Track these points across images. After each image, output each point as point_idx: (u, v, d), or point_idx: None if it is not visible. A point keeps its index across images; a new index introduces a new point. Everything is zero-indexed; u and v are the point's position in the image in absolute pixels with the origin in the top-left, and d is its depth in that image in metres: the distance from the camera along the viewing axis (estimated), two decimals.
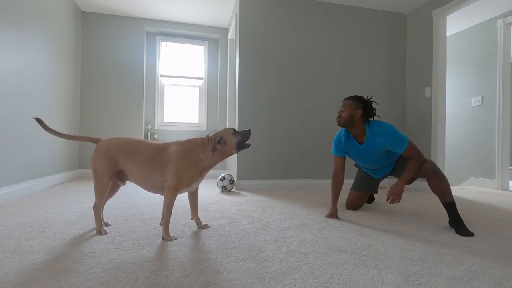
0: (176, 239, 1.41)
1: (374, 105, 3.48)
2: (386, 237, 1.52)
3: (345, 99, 1.91)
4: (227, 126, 4.07)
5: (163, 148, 1.46)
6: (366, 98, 1.90)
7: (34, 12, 2.61)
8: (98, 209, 1.47)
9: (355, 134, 1.92)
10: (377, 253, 1.29)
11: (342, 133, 2.01)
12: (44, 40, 2.80)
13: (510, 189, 3.45)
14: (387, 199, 1.76)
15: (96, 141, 1.51)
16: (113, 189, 1.59)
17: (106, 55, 3.88)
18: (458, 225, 1.64)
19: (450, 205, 1.68)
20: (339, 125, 1.91)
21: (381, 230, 1.64)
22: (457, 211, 1.68)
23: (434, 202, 2.53)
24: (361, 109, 1.86)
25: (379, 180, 2.15)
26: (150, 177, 1.43)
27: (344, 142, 1.97)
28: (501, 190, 3.43)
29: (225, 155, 1.51)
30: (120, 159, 1.45)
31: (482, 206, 2.41)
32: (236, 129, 1.60)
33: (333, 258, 1.22)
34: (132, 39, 3.96)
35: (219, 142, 1.47)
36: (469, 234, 1.57)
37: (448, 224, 1.79)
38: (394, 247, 1.36)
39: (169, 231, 1.46)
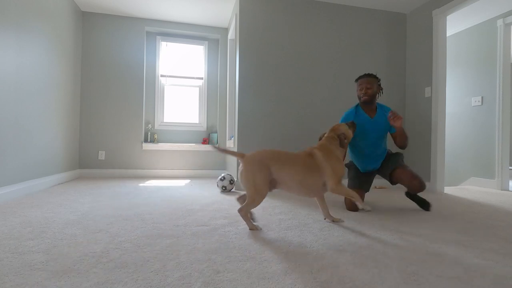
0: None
1: None
2: (386, 237, 1.52)
3: (367, 76, 2.13)
4: (227, 126, 4.07)
5: (310, 156, 1.65)
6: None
7: (34, 12, 2.61)
8: (247, 213, 1.57)
9: (369, 109, 2.17)
10: (377, 253, 1.29)
11: (354, 107, 2.22)
12: (44, 40, 2.80)
13: (510, 189, 3.45)
14: (390, 117, 2.03)
15: (241, 155, 1.60)
16: None
17: (106, 55, 3.88)
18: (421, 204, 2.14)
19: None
20: (366, 101, 2.13)
21: (381, 230, 1.64)
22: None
23: (434, 202, 2.53)
24: (378, 86, 2.14)
25: (371, 177, 2.24)
26: (307, 182, 1.59)
27: (354, 115, 2.17)
28: (501, 190, 3.43)
29: (345, 148, 1.80)
30: (274, 170, 1.57)
31: (482, 206, 2.41)
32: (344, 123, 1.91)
33: (333, 258, 1.22)
34: (132, 39, 3.96)
35: (344, 137, 1.76)
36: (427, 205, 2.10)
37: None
38: (394, 247, 1.36)
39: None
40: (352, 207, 2.14)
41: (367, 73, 2.18)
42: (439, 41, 3.16)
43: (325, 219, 1.82)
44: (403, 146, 2.15)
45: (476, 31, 3.80)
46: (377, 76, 2.14)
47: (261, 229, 1.58)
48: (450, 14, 3.13)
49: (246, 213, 1.56)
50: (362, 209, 1.82)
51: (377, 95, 2.18)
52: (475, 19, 3.69)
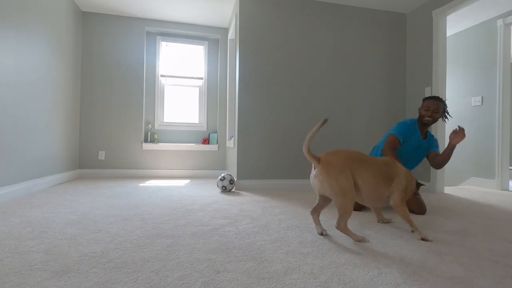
0: (432, 240, 1.47)
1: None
2: (386, 237, 1.52)
3: (437, 100, 2.11)
4: (227, 126, 4.07)
5: (387, 164, 1.55)
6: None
7: (34, 12, 2.61)
8: (346, 225, 1.42)
9: (424, 131, 2.19)
10: (377, 253, 1.29)
11: (412, 122, 2.20)
12: (44, 40, 2.80)
13: (510, 189, 3.45)
14: (454, 132, 2.04)
15: (316, 158, 1.45)
16: (326, 201, 1.54)
17: (106, 55, 3.88)
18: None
19: None
20: (427, 123, 2.13)
21: (381, 230, 1.64)
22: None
23: (434, 202, 2.53)
24: (443, 113, 2.15)
25: None
26: (379, 189, 1.49)
27: (411, 131, 2.17)
28: (501, 190, 3.43)
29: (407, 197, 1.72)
30: (354, 171, 1.45)
31: (482, 206, 2.41)
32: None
33: (333, 258, 1.22)
34: (132, 39, 3.96)
35: (411, 190, 1.61)
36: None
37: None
38: (394, 247, 1.36)
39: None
40: (356, 207, 2.14)
41: (437, 96, 2.14)
42: (439, 41, 3.16)
43: (378, 221, 1.81)
44: (440, 166, 2.15)
45: (476, 31, 3.80)
46: (444, 102, 2.14)
47: (368, 240, 1.43)
48: (450, 14, 3.13)
49: (345, 226, 1.41)
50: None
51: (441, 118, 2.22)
52: (475, 19, 3.68)
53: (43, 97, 2.82)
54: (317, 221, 1.54)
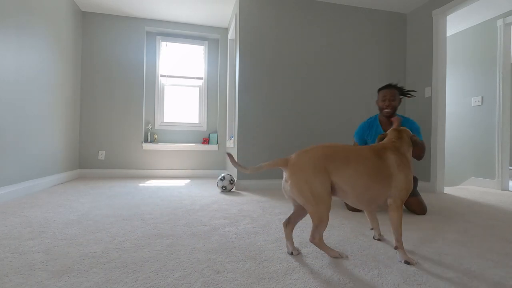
0: (417, 263, 1.18)
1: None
2: (386, 237, 1.52)
3: (389, 87, 2.04)
4: (227, 126, 4.07)
5: (379, 156, 1.22)
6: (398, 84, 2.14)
7: (34, 12, 2.61)
8: (321, 238, 1.19)
9: (388, 123, 2.09)
10: (377, 253, 1.29)
11: (370, 120, 2.17)
12: (44, 40, 2.80)
13: (510, 189, 3.45)
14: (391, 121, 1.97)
15: (284, 163, 1.18)
16: (303, 210, 1.25)
17: (106, 55, 3.88)
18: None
19: None
20: (390, 114, 2.04)
21: (381, 230, 1.64)
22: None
23: (434, 202, 2.53)
24: (399, 97, 2.06)
25: None
26: (374, 190, 1.18)
27: (366, 129, 2.16)
28: (501, 190, 3.43)
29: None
30: (332, 170, 1.16)
31: (482, 206, 2.41)
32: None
33: (333, 258, 1.22)
34: (132, 39, 3.96)
35: (415, 142, 1.33)
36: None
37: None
38: None
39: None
40: (352, 207, 2.14)
41: (391, 83, 2.05)
42: (439, 41, 3.16)
43: (373, 237, 1.48)
44: (419, 158, 2.03)
45: (476, 31, 3.80)
46: (399, 86, 2.06)
47: (346, 256, 1.22)
48: (450, 14, 3.13)
49: (321, 239, 1.18)
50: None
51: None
52: (475, 19, 3.68)
53: (43, 97, 2.82)
54: (289, 237, 1.25)
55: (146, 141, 4.08)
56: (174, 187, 3.11)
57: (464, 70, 3.95)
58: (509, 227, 1.76)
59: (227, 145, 4.00)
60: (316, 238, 1.18)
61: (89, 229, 1.54)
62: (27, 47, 2.52)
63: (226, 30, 4.28)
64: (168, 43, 4.24)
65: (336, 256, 1.20)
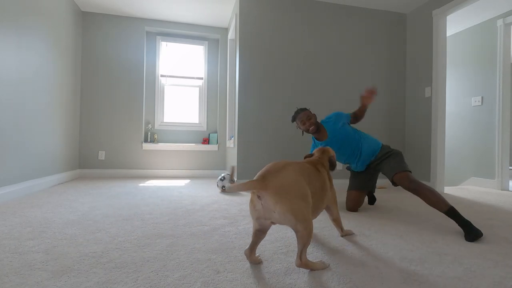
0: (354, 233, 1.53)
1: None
2: (386, 237, 1.52)
3: (301, 111, 2.13)
4: (227, 126, 4.07)
5: (317, 169, 1.33)
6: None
7: (34, 12, 2.61)
8: (306, 258, 1.09)
9: (321, 136, 2.14)
10: (377, 253, 1.29)
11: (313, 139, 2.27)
12: (44, 40, 2.80)
13: (510, 189, 3.45)
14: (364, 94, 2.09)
15: (261, 186, 1.03)
16: (263, 234, 1.16)
17: (106, 55, 3.88)
18: (465, 229, 1.52)
19: (450, 212, 1.59)
20: (314, 132, 2.10)
21: (381, 230, 1.64)
22: (461, 216, 1.56)
23: None
24: (312, 114, 2.14)
25: (372, 176, 2.17)
26: (323, 203, 1.29)
27: (313, 146, 2.25)
28: (501, 190, 3.43)
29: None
30: (309, 186, 1.16)
31: (482, 206, 2.41)
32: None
33: (333, 258, 1.22)
34: (132, 39, 3.96)
35: (334, 161, 1.51)
36: (478, 235, 1.46)
37: (460, 231, 1.66)
38: (394, 247, 1.36)
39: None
40: (351, 207, 2.14)
41: (298, 108, 2.15)
42: (439, 41, 3.16)
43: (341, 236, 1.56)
44: (356, 120, 2.23)
45: (476, 31, 3.80)
46: (305, 108, 2.16)
47: (329, 264, 1.15)
48: (450, 14, 3.13)
49: (307, 260, 1.09)
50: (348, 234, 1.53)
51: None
52: (475, 19, 3.68)
53: (43, 97, 2.82)
54: (254, 259, 1.16)
55: (146, 141, 4.08)
56: (174, 187, 3.11)
57: (464, 70, 3.95)
58: (509, 227, 1.76)
59: (227, 145, 4.00)
60: (304, 258, 1.07)
61: (89, 229, 1.54)
62: (27, 47, 2.52)
63: (226, 30, 4.28)
64: (168, 43, 4.24)
65: (323, 268, 1.11)
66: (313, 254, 1.26)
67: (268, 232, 1.56)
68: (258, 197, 1.05)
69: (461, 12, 3.49)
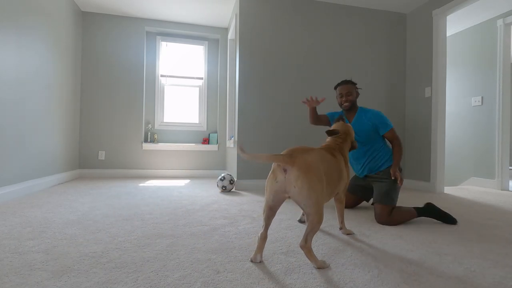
0: (354, 233, 1.55)
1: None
2: (386, 237, 1.52)
3: (345, 83, 2.05)
4: (227, 126, 4.07)
5: (334, 156, 1.40)
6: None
7: (34, 12, 2.61)
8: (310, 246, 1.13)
9: (349, 116, 2.10)
10: (377, 253, 1.29)
11: (335, 112, 2.23)
12: (44, 40, 2.80)
13: (510, 189, 3.45)
14: (392, 177, 1.85)
15: (288, 161, 1.10)
16: (274, 215, 1.22)
17: (106, 55, 3.88)
18: (442, 218, 1.81)
19: (422, 212, 1.83)
20: (347, 108, 2.05)
21: (381, 230, 1.64)
22: (436, 208, 1.83)
23: (434, 202, 2.53)
24: (356, 91, 2.07)
25: (370, 184, 2.08)
26: (337, 189, 1.36)
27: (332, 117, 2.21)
28: (501, 190, 3.43)
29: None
30: (324, 172, 1.21)
31: (482, 206, 2.41)
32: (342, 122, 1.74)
33: (333, 258, 1.22)
34: (132, 39, 3.96)
35: (355, 145, 1.60)
36: (453, 221, 1.78)
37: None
38: (394, 247, 1.36)
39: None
40: (349, 204, 2.16)
41: (345, 79, 2.10)
42: (439, 41, 3.16)
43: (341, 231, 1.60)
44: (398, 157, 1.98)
45: (476, 31, 3.80)
46: (351, 81, 2.08)
47: (329, 265, 1.14)
48: (450, 14, 3.13)
49: (311, 246, 1.11)
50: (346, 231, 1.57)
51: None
52: (475, 19, 3.68)
53: (43, 97, 2.82)
54: (262, 247, 1.18)
55: (146, 141, 4.08)
56: (174, 187, 3.11)
57: (464, 70, 3.95)
58: (509, 227, 1.76)
59: (227, 145, 4.00)
60: (309, 242, 1.10)
61: (89, 229, 1.54)
62: (27, 47, 2.52)
63: (226, 30, 4.28)
64: (168, 43, 4.24)
65: (323, 267, 1.11)
66: (315, 252, 1.26)
67: (268, 232, 1.56)
68: (284, 170, 1.11)
69: (461, 12, 3.49)
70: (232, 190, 2.97)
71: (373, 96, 3.53)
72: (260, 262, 1.17)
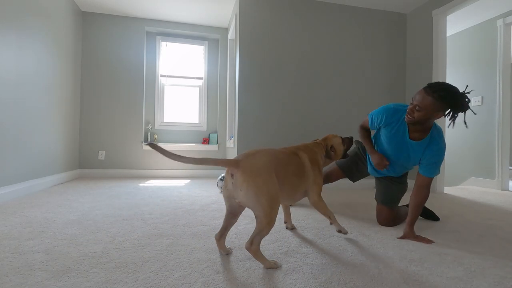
0: (347, 232, 1.51)
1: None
2: (386, 237, 1.52)
3: (426, 93, 1.40)
4: (227, 126, 4.07)
5: (296, 155, 1.36)
6: (456, 94, 1.42)
7: (34, 12, 2.61)
8: (259, 247, 1.11)
9: (413, 129, 1.55)
10: (377, 253, 1.29)
11: (401, 110, 1.59)
12: (44, 40, 2.80)
13: (510, 189, 3.45)
14: (405, 238, 1.52)
15: (233, 164, 1.10)
16: (235, 217, 1.25)
17: (106, 55, 3.88)
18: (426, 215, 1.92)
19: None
20: (410, 123, 1.51)
21: (381, 230, 1.64)
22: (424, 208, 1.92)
23: (434, 202, 2.53)
24: (442, 113, 1.43)
25: (361, 171, 1.91)
26: (299, 187, 1.33)
27: (392, 123, 1.60)
28: (501, 190, 3.43)
29: (331, 161, 1.58)
30: (277, 173, 1.19)
31: (482, 206, 2.41)
32: (339, 136, 1.63)
33: (333, 258, 1.22)
34: (132, 39, 3.96)
35: (331, 149, 1.55)
36: (436, 218, 1.89)
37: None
38: (394, 247, 1.36)
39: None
40: (381, 222, 1.81)
41: (431, 85, 1.43)
42: (439, 41, 3.16)
43: (285, 222, 1.64)
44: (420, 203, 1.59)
45: (476, 31, 3.80)
46: (452, 97, 1.39)
47: (280, 265, 1.13)
48: (450, 14, 3.13)
49: (258, 248, 1.10)
50: (339, 231, 1.48)
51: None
52: (475, 19, 3.68)
53: (43, 97, 2.82)
54: (223, 246, 1.24)
55: (146, 141, 4.08)
56: (174, 187, 3.11)
57: (464, 70, 3.95)
58: (509, 227, 1.76)
59: (227, 145, 4.00)
60: (255, 244, 1.08)
61: (89, 229, 1.54)
62: (27, 47, 2.52)
63: (226, 30, 4.28)
64: (168, 43, 4.24)
65: (272, 267, 1.10)
66: (313, 254, 1.26)
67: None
68: (232, 176, 1.11)
69: (461, 12, 3.49)
70: None
71: (373, 96, 3.53)
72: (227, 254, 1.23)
